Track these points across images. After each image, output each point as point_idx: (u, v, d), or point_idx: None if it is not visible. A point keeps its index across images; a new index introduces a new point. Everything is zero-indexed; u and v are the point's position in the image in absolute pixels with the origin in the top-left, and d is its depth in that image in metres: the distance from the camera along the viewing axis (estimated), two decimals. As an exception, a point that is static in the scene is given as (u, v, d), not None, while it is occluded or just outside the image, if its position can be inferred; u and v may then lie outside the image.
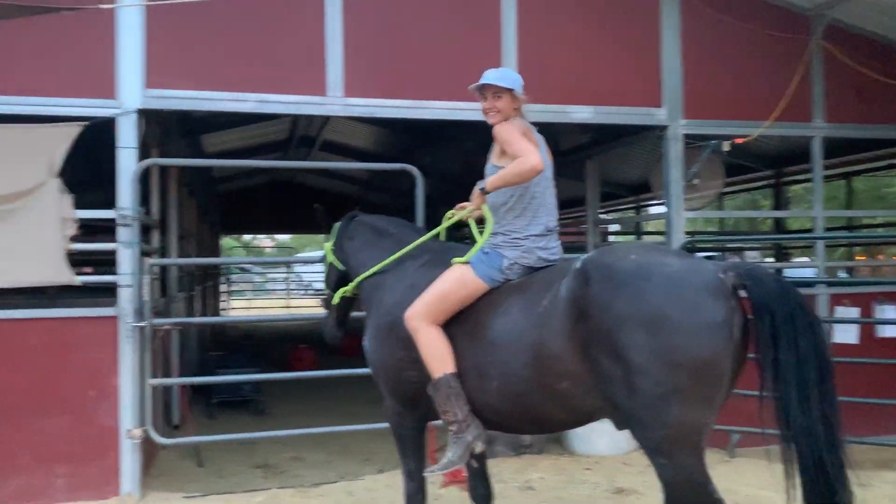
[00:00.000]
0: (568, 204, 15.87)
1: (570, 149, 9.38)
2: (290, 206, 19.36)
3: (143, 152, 6.48)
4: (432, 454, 5.75)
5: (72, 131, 5.56)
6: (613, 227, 17.27)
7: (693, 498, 3.06)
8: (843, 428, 2.98)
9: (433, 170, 12.05)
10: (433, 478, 5.72)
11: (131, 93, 5.73)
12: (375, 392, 4.15)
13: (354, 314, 4.64)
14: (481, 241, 3.72)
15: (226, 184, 17.89)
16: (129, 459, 5.61)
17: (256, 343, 13.74)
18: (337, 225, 4.46)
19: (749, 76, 7.07)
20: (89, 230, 8.17)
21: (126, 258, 5.65)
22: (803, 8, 7.17)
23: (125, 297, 5.64)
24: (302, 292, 27.61)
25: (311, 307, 22.62)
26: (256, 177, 18.72)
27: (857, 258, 14.66)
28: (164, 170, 7.71)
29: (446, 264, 3.76)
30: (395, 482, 5.48)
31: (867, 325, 6.87)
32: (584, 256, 3.37)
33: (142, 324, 5.59)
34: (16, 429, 5.46)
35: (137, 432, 5.58)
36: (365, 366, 4.23)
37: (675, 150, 6.90)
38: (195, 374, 9.44)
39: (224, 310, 21.11)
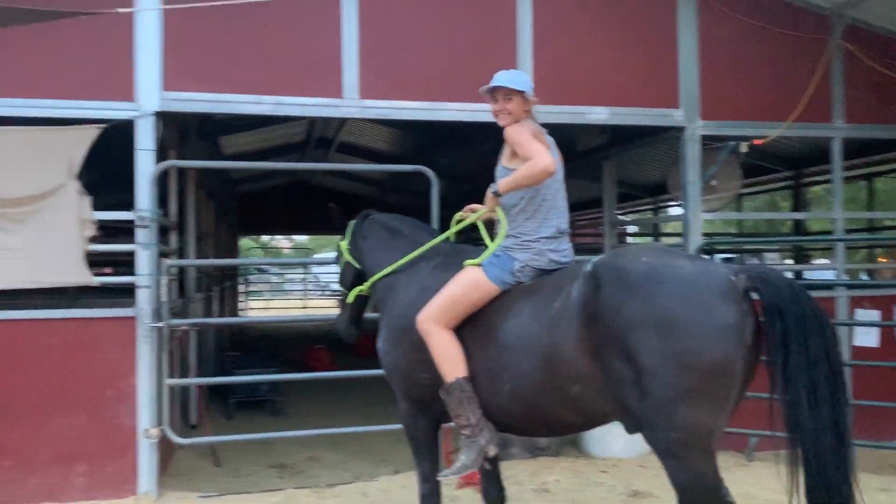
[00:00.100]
0: (585, 205, 15.84)
1: (586, 150, 9.34)
2: (308, 207, 19.45)
3: (162, 154, 6.54)
4: (447, 456, 5.75)
5: (90, 134, 5.62)
6: (631, 229, 17.20)
7: (705, 500, 3.04)
8: (853, 432, 2.98)
9: (450, 171, 12.08)
10: (448, 480, 5.73)
11: (149, 95, 5.78)
12: (391, 393, 4.16)
13: (370, 315, 4.65)
14: (495, 243, 3.72)
15: (244, 185, 18.02)
16: (147, 459, 5.65)
17: (274, 343, 13.80)
18: (352, 223, 4.47)
19: (767, 77, 7.01)
20: (110, 231, 8.26)
21: (144, 259, 5.69)
22: (822, 7, 7.09)
23: (143, 297, 5.68)
24: (319, 293, 27.72)
25: (328, 308, 22.69)
26: (274, 178, 18.83)
27: (880, 260, 14.49)
28: (181, 171, 7.77)
29: (458, 267, 3.77)
30: (410, 483, 5.48)
31: (888, 328, 6.79)
32: (595, 259, 3.36)
33: (159, 324, 5.63)
34: (36, 428, 5.52)
35: (155, 432, 5.62)
36: (381, 366, 4.23)
37: (692, 152, 6.85)
38: (213, 375, 9.51)
39: (242, 310, 21.23)
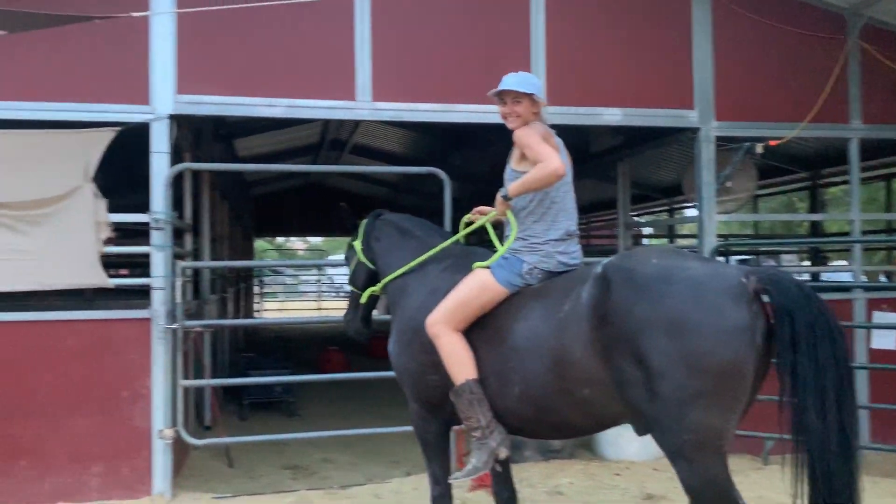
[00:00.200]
0: (599, 207, 15.79)
1: (601, 151, 9.31)
2: (322, 208, 19.52)
3: (177, 157, 6.58)
4: (461, 459, 5.74)
5: (106, 136, 5.66)
6: (646, 230, 17.11)
7: (716, 503, 3.02)
8: (859, 437, 2.97)
9: (463, 172, 12.09)
10: (460, 482, 5.71)
11: (163, 99, 5.82)
12: (405, 395, 4.16)
13: (384, 317, 4.66)
14: (504, 246, 3.71)
15: (259, 187, 18.11)
16: (161, 459, 5.68)
17: (288, 344, 13.84)
18: (363, 223, 4.46)
19: (783, 77, 6.95)
20: (127, 233, 8.33)
21: (159, 261, 5.73)
22: (839, 7, 7.03)
23: (158, 299, 5.72)
24: (333, 294, 27.80)
25: (342, 309, 22.74)
26: (289, 180, 18.92)
27: (899, 261, 14.33)
28: (196, 174, 7.81)
29: (468, 269, 3.77)
30: (422, 485, 5.48)
31: (906, 331, 6.71)
32: (604, 261, 3.35)
33: (174, 326, 5.67)
34: (51, 428, 5.56)
35: (169, 433, 5.65)
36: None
37: (706, 153, 6.80)
38: (227, 376, 9.55)
39: (257, 311, 21.32)
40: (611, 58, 6.66)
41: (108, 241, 5.72)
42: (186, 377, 5.90)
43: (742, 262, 14.93)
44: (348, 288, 4.61)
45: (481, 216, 4.19)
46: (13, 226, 5.48)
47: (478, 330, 3.64)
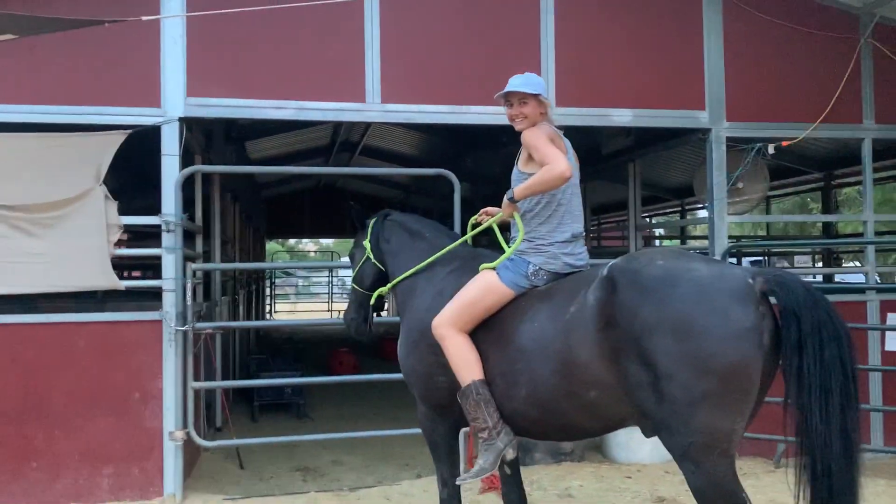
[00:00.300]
0: (611, 208, 15.75)
1: (611, 152, 9.28)
2: (334, 210, 19.57)
3: (188, 159, 6.61)
4: (470, 460, 5.73)
5: (117, 139, 5.70)
6: (658, 232, 17.04)
7: None
8: (862, 440, 2.95)
9: (474, 174, 12.08)
10: (471, 485, 5.72)
11: (174, 101, 5.85)
12: (414, 396, 4.15)
13: (395, 318, 4.64)
14: (511, 248, 3.70)
15: (270, 189, 18.17)
16: (172, 461, 5.70)
17: (299, 346, 13.88)
18: (372, 222, 4.43)
19: (795, 77, 6.90)
20: (139, 236, 8.37)
21: (169, 263, 5.75)
22: (852, 6, 6.98)
23: (169, 301, 5.74)
24: (345, 296, 27.82)
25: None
26: (300, 182, 18.96)
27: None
28: (207, 176, 7.84)
29: (474, 271, 3.77)
30: (432, 488, 5.48)
31: (920, 333, 6.64)
32: (610, 263, 3.34)
33: (184, 328, 5.69)
34: (63, 430, 5.60)
35: (180, 434, 5.67)
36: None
37: (717, 154, 6.77)
38: (238, 377, 9.58)
39: (268, 313, 21.38)
40: (621, 58, 6.64)
41: (120, 244, 5.75)
42: (197, 379, 5.92)
43: (754, 263, 14.86)
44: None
45: (488, 217, 4.19)
46: (25, 228, 5.51)
47: (484, 331, 3.64)
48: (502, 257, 3.72)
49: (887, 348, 6.58)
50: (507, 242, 3.86)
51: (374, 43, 6.19)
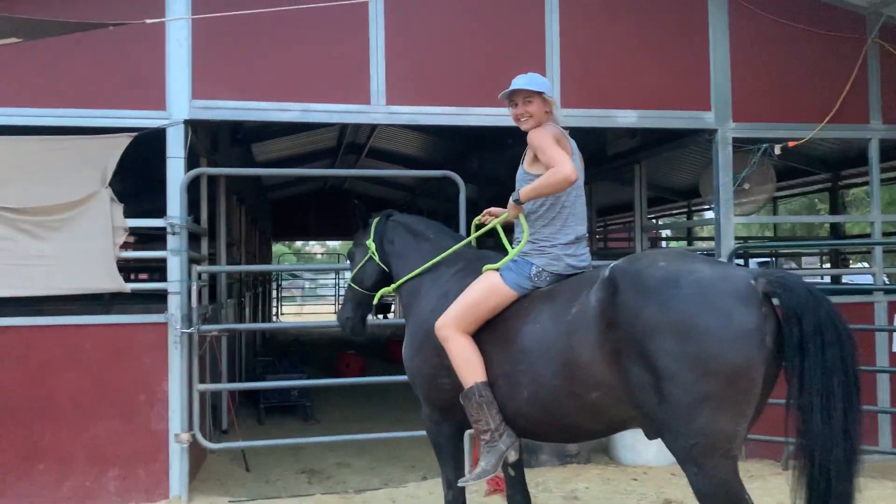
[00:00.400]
0: (617, 209, 15.71)
1: (617, 153, 9.26)
2: (340, 212, 19.59)
3: (194, 162, 6.62)
4: (476, 462, 5.71)
5: (122, 142, 5.71)
6: (665, 233, 16.99)
7: None
8: (861, 442, 2.93)
9: (481, 175, 12.07)
10: (477, 487, 5.71)
11: (179, 104, 5.86)
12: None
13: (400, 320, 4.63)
14: (516, 250, 3.69)
15: (276, 191, 18.21)
16: (178, 463, 5.71)
17: (305, 348, 13.89)
18: (375, 222, 4.39)
19: (801, 77, 6.87)
20: (146, 238, 8.39)
21: (175, 266, 5.76)
22: (858, 6, 6.94)
23: (174, 303, 5.75)
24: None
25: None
26: (306, 184, 19.00)
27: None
28: (213, 178, 7.85)
29: (479, 272, 3.76)
30: (438, 490, 5.45)
31: (928, 335, 6.61)
32: (612, 264, 3.33)
33: (190, 330, 5.69)
34: (70, 432, 5.61)
35: (185, 436, 5.68)
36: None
37: (723, 155, 6.74)
38: (244, 380, 9.59)
39: (275, 315, 21.42)
40: (626, 59, 6.62)
41: (127, 246, 5.76)
42: (203, 381, 5.93)
43: (762, 264, 14.80)
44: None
45: (492, 218, 4.18)
46: (31, 231, 5.53)
47: (487, 333, 3.64)
48: (506, 259, 3.71)
49: (895, 349, 6.54)
50: (511, 243, 3.85)
51: (379, 45, 6.19)
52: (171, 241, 5.76)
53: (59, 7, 5.56)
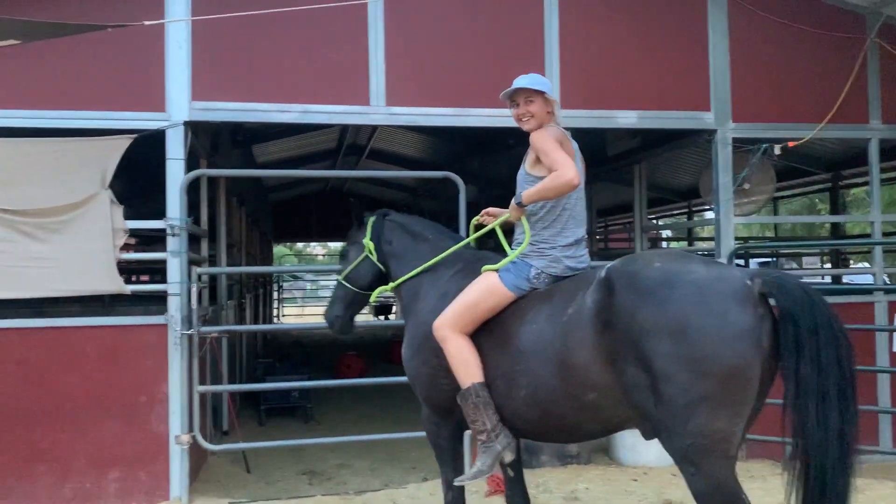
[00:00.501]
0: (617, 210, 15.71)
1: (618, 154, 9.26)
2: (342, 214, 19.54)
3: (194, 163, 6.63)
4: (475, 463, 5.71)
5: (122, 144, 5.72)
6: (666, 233, 16.98)
7: None
8: (858, 443, 2.94)
9: (482, 176, 12.08)
10: (477, 487, 5.71)
11: (179, 105, 5.87)
12: (420, 399, 4.15)
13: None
14: (517, 252, 3.69)
15: (277, 193, 18.21)
16: (178, 465, 5.71)
17: (307, 350, 13.90)
18: (371, 220, 4.34)
19: (800, 77, 6.87)
20: (147, 240, 8.40)
21: (174, 267, 5.76)
22: (858, 6, 6.94)
23: (174, 305, 5.75)
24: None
25: (361, 315, 22.84)
26: (307, 185, 19.01)
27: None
28: (213, 180, 7.85)
29: (478, 274, 3.76)
30: (438, 491, 5.43)
31: (929, 334, 6.60)
32: (608, 265, 3.33)
33: (190, 331, 5.70)
34: (70, 434, 5.62)
35: (185, 438, 5.68)
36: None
37: (723, 155, 6.74)
38: (245, 381, 9.58)
39: (276, 317, 21.41)
40: (625, 60, 6.62)
41: (127, 248, 5.76)
42: (203, 383, 5.93)
43: (763, 264, 14.79)
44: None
45: (490, 218, 4.17)
46: (31, 233, 5.54)
47: (485, 333, 3.64)
48: (506, 260, 3.71)
49: (895, 349, 6.53)
50: (511, 245, 3.85)
51: (379, 46, 6.20)
52: (171, 242, 5.77)
53: (58, 9, 5.57)
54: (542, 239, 3.68)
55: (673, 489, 5.81)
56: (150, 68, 5.86)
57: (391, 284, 4.24)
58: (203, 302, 6.88)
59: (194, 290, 5.76)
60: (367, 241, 4.27)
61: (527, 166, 3.76)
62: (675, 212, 15.96)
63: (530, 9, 6.49)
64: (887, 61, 6.96)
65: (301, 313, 25.97)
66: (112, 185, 5.75)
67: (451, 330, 3.61)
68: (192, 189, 6.18)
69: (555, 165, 3.45)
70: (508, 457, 3.61)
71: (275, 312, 21.22)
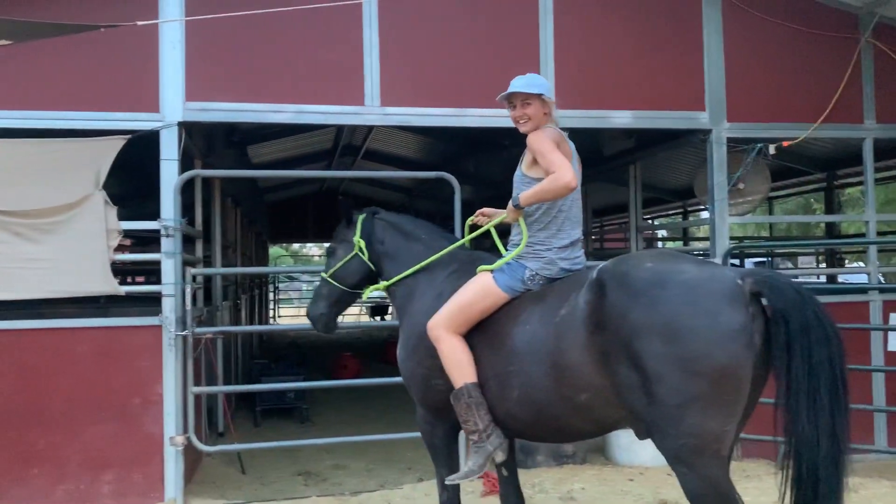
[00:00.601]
0: (613, 210, 15.72)
1: (613, 154, 9.27)
2: (338, 215, 19.51)
3: (189, 164, 6.61)
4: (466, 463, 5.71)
5: (116, 144, 5.70)
6: (662, 233, 16.99)
7: None
8: (849, 442, 2.94)
9: (478, 177, 12.08)
10: (473, 488, 5.71)
11: (173, 106, 5.85)
12: (416, 399, 4.13)
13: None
14: (514, 253, 3.69)
15: (273, 194, 18.19)
16: (173, 466, 5.69)
17: (303, 351, 13.88)
18: (360, 218, 4.30)
19: (795, 77, 6.89)
20: (144, 241, 8.39)
21: (169, 268, 5.75)
22: (852, 6, 6.96)
23: (168, 306, 5.74)
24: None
25: (356, 315, 22.82)
26: (303, 186, 18.98)
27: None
28: (207, 181, 7.84)
29: (473, 274, 3.76)
30: (434, 491, 5.44)
31: (923, 333, 6.61)
32: (600, 265, 3.33)
33: (184, 332, 5.68)
34: (64, 435, 5.60)
35: (180, 439, 5.66)
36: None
37: (718, 155, 6.75)
38: (241, 382, 9.56)
39: (272, 318, 21.38)
40: (620, 60, 6.63)
41: (123, 249, 5.75)
42: (198, 384, 5.91)
43: (758, 264, 14.82)
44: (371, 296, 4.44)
45: (485, 218, 4.17)
46: (25, 234, 5.52)
47: (479, 334, 3.64)
48: (502, 261, 3.71)
49: (890, 348, 6.56)
50: (506, 245, 3.84)
51: (373, 46, 6.19)
52: (165, 243, 5.75)
53: (53, 8, 5.55)
54: (538, 240, 3.67)
55: (668, 489, 5.81)
56: (143, 69, 5.85)
57: (384, 283, 4.21)
58: (198, 303, 6.86)
59: (188, 291, 5.74)
60: (358, 239, 4.23)
61: (523, 167, 3.76)
62: (671, 212, 15.98)
63: (525, 8, 6.49)
64: (881, 61, 6.97)
65: (297, 314, 25.88)
66: (110, 186, 5.74)
67: (444, 330, 3.61)
68: (187, 190, 6.16)
69: (552, 168, 3.45)
70: (500, 457, 3.62)
71: (271, 313, 21.19)
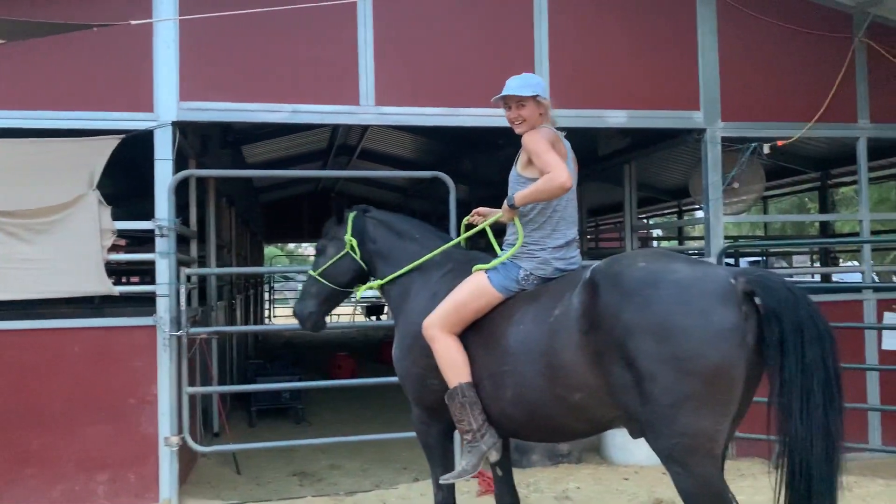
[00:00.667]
0: (608, 209, 15.73)
1: (608, 154, 9.27)
2: (332, 214, 19.50)
3: (184, 164, 6.59)
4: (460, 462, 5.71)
5: (110, 144, 5.68)
6: (657, 232, 17.01)
7: None
8: (843, 442, 2.94)
9: (473, 176, 12.07)
10: (468, 488, 5.71)
11: (167, 105, 5.84)
12: (411, 399, 4.13)
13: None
14: (509, 253, 3.68)
15: (268, 193, 18.16)
16: (168, 466, 5.68)
17: (298, 351, 13.87)
18: (351, 216, 4.26)
19: (789, 77, 6.90)
20: (139, 241, 8.36)
21: (163, 268, 5.74)
22: (846, 5, 6.98)
23: (162, 306, 5.72)
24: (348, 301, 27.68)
25: (351, 315, 22.81)
26: (298, 186, 18.97)
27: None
28: (202, 181, 7.82)
29: (468, 274, 3.76)
30: (429, 491, 5.42)
31: (917, 332, 6.63)
32: (593, 265, 3.33)
33: (178, 333, 5.67)
34: (59, 436, 5.58)
35: (175, 440, 5.65)
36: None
37: (713, 154, 6.76)
38: (236, 382, 9.55)
39: (267, 318, 21.35)
40: (615, 59, 6.63)
41: (118, 249, 5.73)
42: (192, 384, 5.90)
43: (753, 263, 14.85)
44: (365, 296, 4.42)
45: (480, 217, 4.17)
46: (19, 234, 5.50)
47: (473, 333, 3.64)
48: (497, 261, 3.71)
49: (884, 347, 6.58)
50: (501, 245, 3.84)
51: (368, 45, 6.18)
52: (160, 243, 5.74)
53: (45, 8, 5.53)
54: (532, 241, 3.67)
55: (664, 488, 5.82)
56: (137, 68, 5.83)
57: (377, 282, 4.20)
58: (192, 303, 6.85)
59: (183, 291, 5.73)
60: (349, 238, 4.19)
61: (519, 168, 3.76)
62: (666, 211, 16.01)
63: (520, 8, 6.48)
64: (875, 61, 6.99)
65: (292, 314, 25.84)
66: (104, 186, 5.72)
67: (439, 329, 3.61)
68: (182, 190, 6.15)
69: (547, 168, 3.45)
70: (494, 456, 3.63)
71: (266, 313, 21.16)
